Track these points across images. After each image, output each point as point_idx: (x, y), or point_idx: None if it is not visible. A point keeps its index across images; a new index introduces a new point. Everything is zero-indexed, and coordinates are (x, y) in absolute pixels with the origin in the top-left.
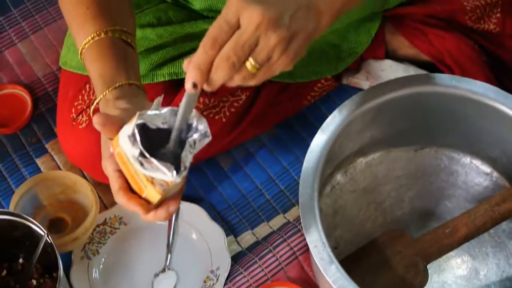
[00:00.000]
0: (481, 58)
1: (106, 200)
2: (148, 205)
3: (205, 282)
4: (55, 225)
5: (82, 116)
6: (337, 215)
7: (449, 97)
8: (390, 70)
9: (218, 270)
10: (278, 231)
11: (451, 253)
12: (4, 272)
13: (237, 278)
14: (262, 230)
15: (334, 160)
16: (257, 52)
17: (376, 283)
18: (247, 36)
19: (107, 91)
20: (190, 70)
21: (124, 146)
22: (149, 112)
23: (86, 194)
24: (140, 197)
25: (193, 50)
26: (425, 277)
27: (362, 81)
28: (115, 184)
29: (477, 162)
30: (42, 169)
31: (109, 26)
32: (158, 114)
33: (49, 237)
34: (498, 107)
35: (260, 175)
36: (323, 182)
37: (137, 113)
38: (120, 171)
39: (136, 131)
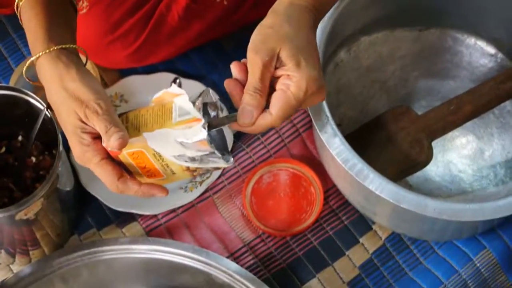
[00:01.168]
0: None
1: (106, 78)
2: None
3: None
4: None
5: (83, 2)
6: (340, 93)
7: None
8: None
9: None
10: None
11: (456, 133)
12: (3, 150)
13: (240, 155)
14: None
15: (337, 38)
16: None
17: (379, 159)
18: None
19: (54, 47)
20: (245, 116)
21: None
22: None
23: None
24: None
25: None
26: (429, 154)
27: None
28: (111, 175)
29: (481, 43)
30: None
31: None
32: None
33: (49, 111)
34: None
35: None
36: (326, 59)
37: (202, 120)
38: (108, 158)
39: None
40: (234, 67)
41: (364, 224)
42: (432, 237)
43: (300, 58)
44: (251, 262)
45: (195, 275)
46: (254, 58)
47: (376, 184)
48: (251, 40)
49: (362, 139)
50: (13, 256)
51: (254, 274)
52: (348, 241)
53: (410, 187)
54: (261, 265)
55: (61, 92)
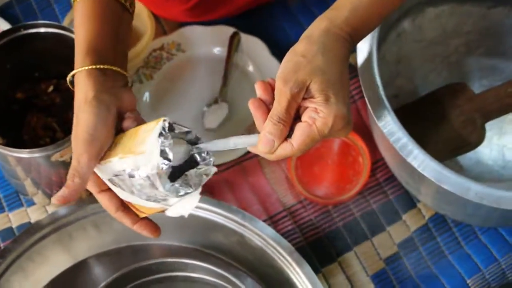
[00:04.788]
0: None
1: (166, 26)
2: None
3: None
4: None
5: None
6: (399, 64)
7: None
8: None
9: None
10: None
11: None
12: (51, 88)
13: None
14: None
15: (401, 7)
16: None
17: (430, 135)
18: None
19: (86, 67)
20: (265, 144)
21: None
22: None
23: (143, 19)
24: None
25: None
26: (481, 135)
27: None
28: (108, 207)
29: None
30: None
31: None
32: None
33: None
34: None
35: None
36: (388, 27)
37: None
38: (106, 191)
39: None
40: (259, 87)
41: (408, 201)
42: (475, 222)
43: (330, 94)
44: (289, 227)
45: (229, 234)
46: (282, 88)
47: (419, 160)
48: (281, 66)
49: (415, 113)
50: (49, 197)
51: (291, 240)
52: (390, 216)
53: (460, 167)
54: (299, 231)
55: (75, 116)
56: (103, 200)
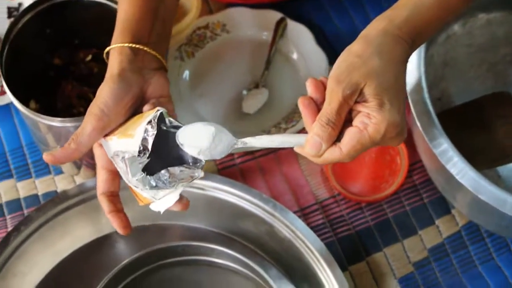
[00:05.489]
0: None
1: (213, 5)
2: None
3: (296, 106)
4: None
5: None
6: (446, 67)
7: None
8: None
9: None
10: None
11: None
12: (89, 57)
13: None
14: None
15: None
16: None
17: (471, 143)
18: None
19: (125, 44)
20: (312, 147)
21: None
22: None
23: None
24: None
25: None
26: None
27: None
28: (99, 184)
29: None
30: None
31: None
32: None
33: None
34: None
35: None
36: None
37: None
38: (106, 169)
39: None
40: (310, 84)
41: (443, 206)
42: (509, 234)
43: (385, 99)
44: (320, 221)
45: (258, 224)
46: (335, 88)
47: (458, 168)
48: (335, 66)
49: (457, 118)
50: (78, 167)
51: (320, 235)
52: (424, 220)
53: (498, 177)
54: (329, 226)
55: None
56: (99, 176)
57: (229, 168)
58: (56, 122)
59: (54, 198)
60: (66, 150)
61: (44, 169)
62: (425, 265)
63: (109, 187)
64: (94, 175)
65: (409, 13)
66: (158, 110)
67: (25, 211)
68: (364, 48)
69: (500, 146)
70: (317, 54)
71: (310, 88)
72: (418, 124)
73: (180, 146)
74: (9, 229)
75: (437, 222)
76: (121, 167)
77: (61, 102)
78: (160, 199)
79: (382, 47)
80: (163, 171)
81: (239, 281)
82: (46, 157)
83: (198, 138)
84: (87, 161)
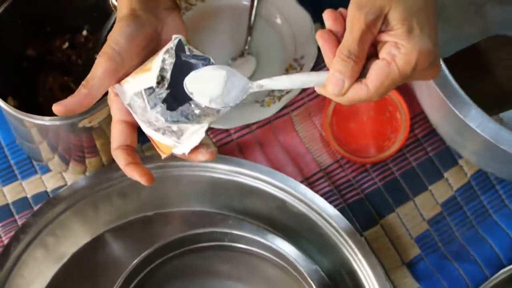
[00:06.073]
0: None
1: None
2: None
3: (286, 70)
4: None
5: None
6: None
7: None
8: None
9: (303, 60)
10: None
11: None
12: (66, 45)
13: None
14: None
15: None
16: None
17: (473, 91)
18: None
19: None
20: (334, 85)
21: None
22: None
23: None
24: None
25: None
26: None
27: None
28: (113, 139)
29: None
30: None
31: None
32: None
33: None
34: None
35: None
36: None
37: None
38: (123, 123)
39: None
40: (328, 16)
41: (450, 157)
42: None
43: (414, 24)
44: (326, 189)
45: (268, 200)
46: (356, 14)
47: (478, 121)
48: None
49: (455, 66)
50: (67, 163)
51: (330, 203)
52: (432, 175)
53: (501, 121)
54: (337, 193)
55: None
56: (114, 130)
57: (227, 145)
58: (45, 121)
59: (50, 200)
60: (77, 96)
61: (29, 169)
62: (439, 221)
63: (126, 139)
64: (84, 170)
65: None
66: (176, 38)
67: (17, 217)
68: None
69: (505, 91)
70: (301, 15)
71: (328, 21)
72: None
73: (190, 95)
74: (3, 237)
75: (445, 175)
76: (139, 107)
77: (42, 96)
78: (184, 141)
79: None
80: (185, 105)
81: (256, 263)
82: (55, 107)
83: (208, 85)
84: (76, 154)
